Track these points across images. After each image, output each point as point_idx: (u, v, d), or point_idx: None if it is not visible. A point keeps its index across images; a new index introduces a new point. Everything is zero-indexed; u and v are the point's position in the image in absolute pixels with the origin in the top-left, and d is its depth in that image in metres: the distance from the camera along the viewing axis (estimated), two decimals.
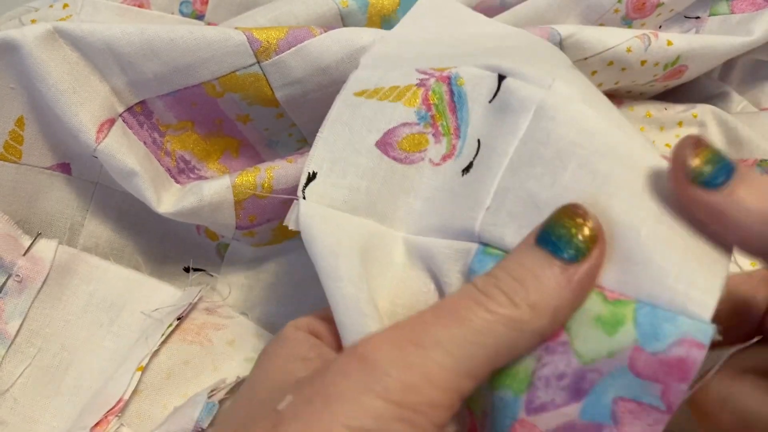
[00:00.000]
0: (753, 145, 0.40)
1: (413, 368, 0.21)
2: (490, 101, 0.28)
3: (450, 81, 0.29)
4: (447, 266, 0.27)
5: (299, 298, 0.39)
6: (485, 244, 0.26)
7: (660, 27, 0.44)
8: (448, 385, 0.21)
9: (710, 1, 0.44)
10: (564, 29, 0.36)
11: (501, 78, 0.28)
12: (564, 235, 0.22)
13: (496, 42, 0.34)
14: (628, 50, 0.37)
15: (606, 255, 0.23)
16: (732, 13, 0.43)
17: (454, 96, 0.29)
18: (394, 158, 0.29)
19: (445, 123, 0.29)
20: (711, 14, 0.44)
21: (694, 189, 0.22)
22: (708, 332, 0.21)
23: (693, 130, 0.42)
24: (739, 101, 0.46)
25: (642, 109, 0.43)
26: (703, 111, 0.42)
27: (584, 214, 0.23)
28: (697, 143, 0.23)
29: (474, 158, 0.28)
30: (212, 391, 0.31)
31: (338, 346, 0.26)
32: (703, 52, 0.39)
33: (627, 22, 0.42)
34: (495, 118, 0.28)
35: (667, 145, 0.42)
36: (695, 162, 0.22)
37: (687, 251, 0.23)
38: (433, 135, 0.29)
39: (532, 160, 0.26)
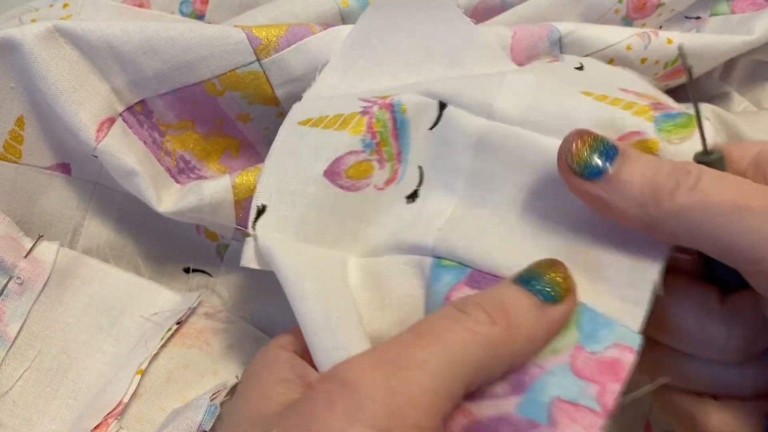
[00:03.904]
0: None
1: (397, 393, 0.21)
2: (430, 128, 0.30)
3: (393, 108, 0.30)
4: (408, 282, 0.28)
5: None
6: (439, 258, 0.27)
7: (661, 27, 0.44)
8: (431, 407, 0.21)
9: (711, 0, 0.44)
10: (564, 27, 0.36)
11: (442, 105, 0.29)
12: (543, 279, 0.24)
13: (442, 52, 0.34)
14: (628, 48, 0.37)
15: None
16: (733, 13, 0.43)
17: (397, 123, 0.30)
18: (342, 186, 0.30)
19: (388, 149, 0.30)
20: (712, 14, 0.44)
21: (579, 181, 0.24)
22: (637, 340, 0.24)
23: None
24: (739, 101, 0.46)
25: None
26: (703, 110, 0.42)
27: (564, 269, 0.25)
28: (577, 134, 0.25)
29: (419, 187, 0.30)
30: (214, 394, 0.31)
31: None
32: (704, 50, 0.39)
33: (627, 22, 0.42)
34: (438, 148, 0.30)
35: None
36: (576, 154, 0.24)
37: (622, 266, 0.26)
38: (378, 161, 0.30)
39: (481, 202, 0.29)
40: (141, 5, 0.42)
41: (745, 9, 0.43)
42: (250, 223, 0.28)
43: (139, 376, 0.32)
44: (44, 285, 0.34)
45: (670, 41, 0.38)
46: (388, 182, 0.31)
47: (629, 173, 0.24)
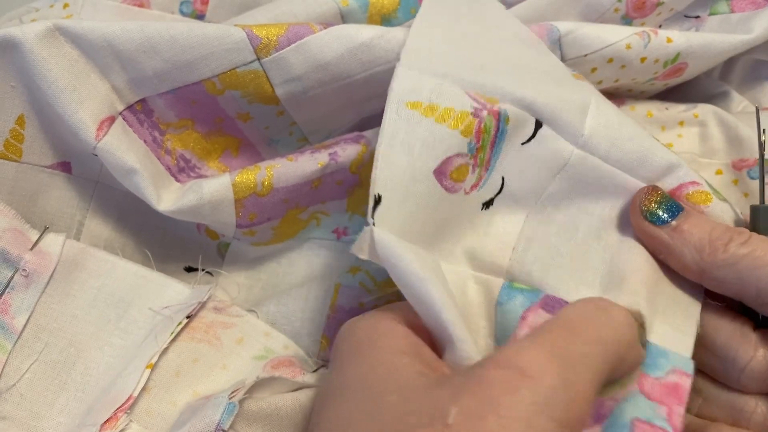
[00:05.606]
0: (753, 144, 0.40)
1: (572, 387, 0.21)
2: (522, 143, 0.31)
3: (499, 117, 0.30)
4: (472, 300, 0.30)
5: (300, 297, 0.39)
6: (511, 280, 0.31)
7: (660, 26, 0.44)
8: (591, 400, 0.22)
9: (710, 0, 0.44)
10: (563, 26, 0.36)
11: (538, 124, 0.31)
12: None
13: (519, 54, 0.34)
14: (628, 47, 0.37)
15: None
16: (732, 12, 0.43)
17: (498, 132, 0.30)
18: (444, 187, 0.30)
19: (482, 156, 0.30)
20: (711, 13, 0.44)
21: (646, 224, 0.29)
22: (690, 365, 0.27)
23: (694, 130, 0.42)
24: (739, 101, 0.46)
25: (643, 109, 0.43)
26: (704, 111, 0.42)
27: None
28: (652, 189, 0.30)
29: (496, 195, 0.32)
30: (232, 392, 0.30)
31: (433, 344, 0.27)
32: (703, 49, 0.39)
33: (627, 21, 0.42)
34: (524, 163, 0.31)
35: (669, 144, 0.42)
36: (648, 203, 0.30)
37: (669, 298, 0.29)
38: (473, 166, 0.30)
39: (547, 219, 0.32)
40: (141, 5, 0.42)
41: (744, 8, 0.43)
42: (369, 212, 0.28)
43: (149, 371, 0.31)
44: (50, 277, 0.34)
45: (669, 40, 0.38)
46: (473, 187, 0.31)
47: (691, 225, 0.29)
